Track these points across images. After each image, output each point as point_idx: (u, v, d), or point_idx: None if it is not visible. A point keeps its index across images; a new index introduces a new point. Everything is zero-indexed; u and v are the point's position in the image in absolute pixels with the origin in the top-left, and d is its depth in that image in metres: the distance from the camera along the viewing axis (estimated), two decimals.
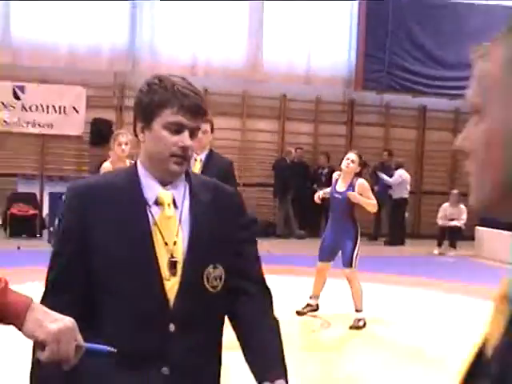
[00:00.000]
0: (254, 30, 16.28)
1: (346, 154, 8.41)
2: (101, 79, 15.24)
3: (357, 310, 7.90)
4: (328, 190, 8.46)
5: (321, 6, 16.48)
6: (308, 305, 8.35)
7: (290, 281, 10.08)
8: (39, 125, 14.62)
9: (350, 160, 7.91)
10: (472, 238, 15.03)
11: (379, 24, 16.21)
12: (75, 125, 14.97)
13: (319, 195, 8.38)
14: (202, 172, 6.17)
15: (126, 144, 7.04)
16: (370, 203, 7.99)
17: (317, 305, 8.33)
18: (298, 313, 8.29)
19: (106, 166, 7.15)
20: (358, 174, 8.05)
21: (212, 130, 6.34)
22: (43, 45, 14.57)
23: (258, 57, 16.27)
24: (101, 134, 14.25)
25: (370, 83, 16.42)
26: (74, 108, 14.92)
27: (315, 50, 16.51)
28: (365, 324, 7.87)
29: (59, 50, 14.67)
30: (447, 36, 16.48)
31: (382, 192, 15.06)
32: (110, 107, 15.52)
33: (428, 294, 10.03)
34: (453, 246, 14.83)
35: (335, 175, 8.26)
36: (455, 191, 15.27)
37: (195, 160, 6.25)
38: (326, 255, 8.09)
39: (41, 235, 14.07)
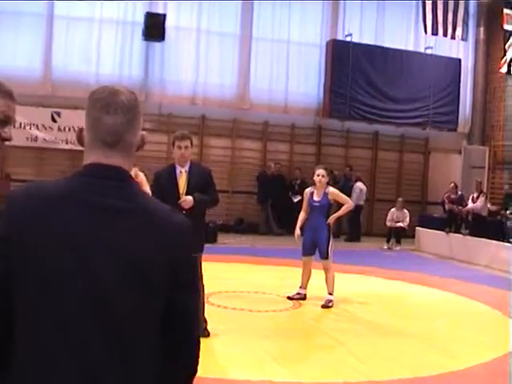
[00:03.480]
0: (243, 70, 16.72)
1: (314, 168, 8.36)
2: None
3: (329, 293, 7.94)
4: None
5: (297, 52, 17.07)
6: (298, 293, 8.22)
7: (271, 269, 10.39)
8: (70, 142, 14.98)
9: (321, 175, 7.91)
10: (413, 236, 15.47)
11: (342, 67, 16.75)
12: None
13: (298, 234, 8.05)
14: (188, 181, 5.87)
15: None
16: (347, 208, 7.97)
17: (305, 294, 8.19)
18: (289, 298, 8.21)
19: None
20: (327, 183, 8.07)
21: (191, 145, 5.96)
22: (76, 78, 14.96)
23: (246, 91, 16.74)
24: None
25: (335, 113, 16.89)
26: None
27: (292, 87, 17.06)
28: (333, 304, 7.95)
29: (88, 84, 14.58)
30: (395, 77, 17.16)
31: None
32: None
33: (378, 280, 10.30)
34: (398, 242, 15.22)
35: (309, 189, 8.15)
36: (400, 199, 15.70)
37: (180, 172, 5.91)
38: (307, 251, 8.10)
39: None
